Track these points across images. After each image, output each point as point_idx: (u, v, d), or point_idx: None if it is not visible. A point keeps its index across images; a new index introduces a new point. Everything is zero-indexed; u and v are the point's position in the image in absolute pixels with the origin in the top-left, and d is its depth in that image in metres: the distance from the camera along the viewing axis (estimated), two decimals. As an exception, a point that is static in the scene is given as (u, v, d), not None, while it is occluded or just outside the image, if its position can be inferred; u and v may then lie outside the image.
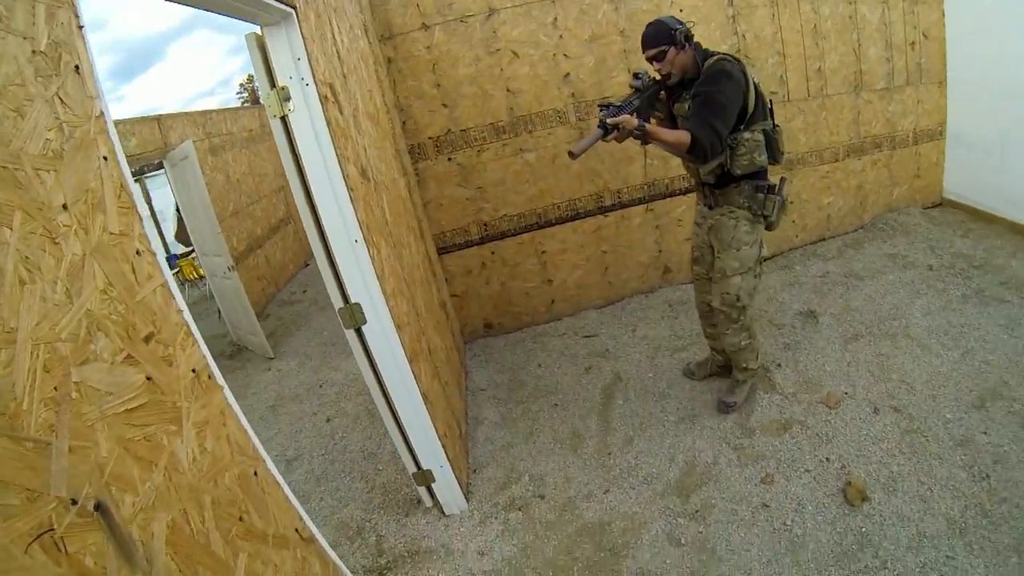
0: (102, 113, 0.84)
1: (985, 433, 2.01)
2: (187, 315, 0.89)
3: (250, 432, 1.01)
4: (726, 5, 3.19)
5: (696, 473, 2.15)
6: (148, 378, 0.79)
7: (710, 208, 2.20)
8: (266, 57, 1.61)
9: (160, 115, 4.55)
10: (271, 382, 3.83)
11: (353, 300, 1.80)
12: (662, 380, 2.74)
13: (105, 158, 0.81)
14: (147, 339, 0.80)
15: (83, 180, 0.76)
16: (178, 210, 5.32)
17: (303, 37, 1.60)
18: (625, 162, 3.30)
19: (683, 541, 1.89)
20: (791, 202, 3.45)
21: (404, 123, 3.09)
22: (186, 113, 4.91)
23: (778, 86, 3.36)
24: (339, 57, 1.98)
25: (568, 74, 3.13)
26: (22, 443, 0.61)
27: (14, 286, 0.64)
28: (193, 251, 6.03)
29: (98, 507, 0.68)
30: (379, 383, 1.96)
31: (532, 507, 2.16)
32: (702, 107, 1.89)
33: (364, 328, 1.85)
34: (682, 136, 1.85)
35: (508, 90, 3.10)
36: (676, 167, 3.28)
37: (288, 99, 1.61)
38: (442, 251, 3.33)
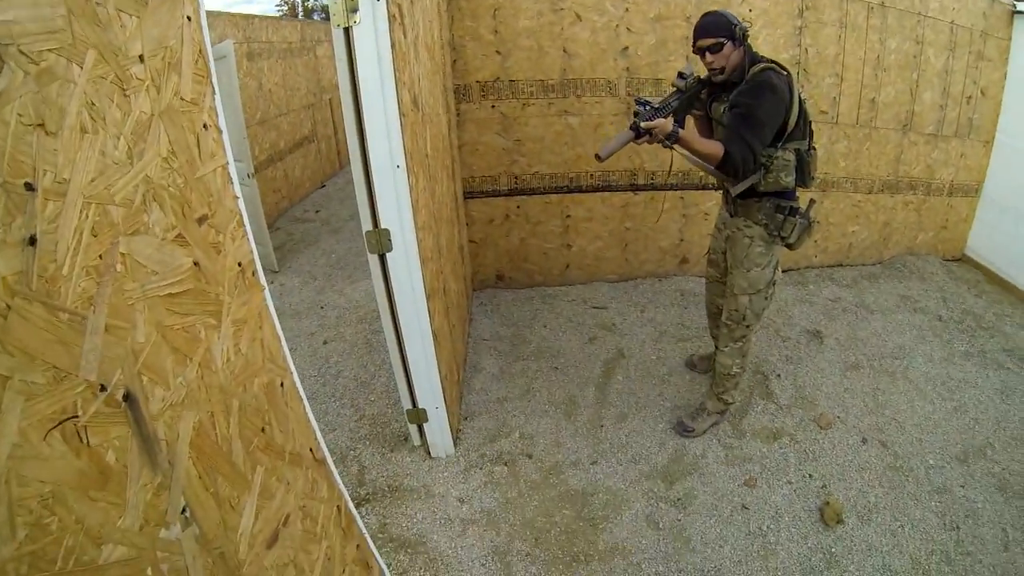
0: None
1: (963, 487, 2.04)
2: (241, 204, 0.82)
3: (283, 340, 0.95)
4: (796, 16, 3.08)
5: (684, 462, 2.17)
6: (196, 263, 0.72)
7: (731, 216, 2.10)
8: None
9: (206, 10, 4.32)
10: (272, 295, 3.75)
11: (383, 225, 1.73)
12: (664, 365, 2.73)
13: (189, 18, 0.72)
14: (200, 220, 0.73)
15: (164, 35, 0.67)
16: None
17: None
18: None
19: (661, 525, 1.91)
20: (818, 222, 3.39)
21: (455, 62, 2.99)
22: (229, 13, 4.73)
23: (829, 107, 3.29)
24: (410, -23, 1.82)
25: (627, 48, 3.04)
26: (56, 313, 0.54)
27: (74, 131, 0.56)
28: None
29: (127, 397, 0.62)
30: (392, 313, 1.91)
31: (519, 464, 2.16)
32: (740, 121, 1.76)
33: (389, 255, 1.79)
34: (715, 148, 1.74)
35: (564, 51, 3.02)
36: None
37: (356, 10, 1.48)
38: (468, 196, 3.26)
